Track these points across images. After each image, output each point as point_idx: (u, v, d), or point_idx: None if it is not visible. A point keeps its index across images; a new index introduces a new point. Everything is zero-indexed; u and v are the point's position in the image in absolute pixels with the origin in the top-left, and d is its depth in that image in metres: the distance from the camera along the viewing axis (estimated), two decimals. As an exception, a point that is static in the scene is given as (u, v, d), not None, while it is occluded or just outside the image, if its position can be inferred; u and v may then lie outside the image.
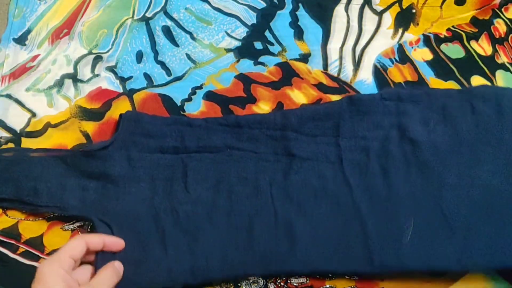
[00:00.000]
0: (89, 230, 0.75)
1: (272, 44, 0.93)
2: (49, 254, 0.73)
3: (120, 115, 0.82)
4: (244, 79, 0.89)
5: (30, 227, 0.75)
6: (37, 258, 0.73)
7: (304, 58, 0.92)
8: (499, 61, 0.92)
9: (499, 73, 0.91)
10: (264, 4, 0.97)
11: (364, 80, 0.90)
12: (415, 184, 0.77)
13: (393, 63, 0.91)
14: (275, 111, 0.85)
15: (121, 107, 0.85)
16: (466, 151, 0.79)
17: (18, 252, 0.73)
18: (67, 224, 0.75)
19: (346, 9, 0.97)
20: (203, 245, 0.72)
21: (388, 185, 0.77)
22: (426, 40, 0.94)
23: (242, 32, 0.94)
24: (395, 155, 0.79)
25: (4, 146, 0.81)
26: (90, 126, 0.83)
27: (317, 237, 0.73)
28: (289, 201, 0.76)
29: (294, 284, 0.73)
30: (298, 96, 0.87)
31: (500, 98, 0.82)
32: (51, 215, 0.76)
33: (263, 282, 0.73)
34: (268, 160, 0.80)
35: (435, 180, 0.77)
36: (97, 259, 0.68)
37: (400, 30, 0.95)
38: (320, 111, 0.82)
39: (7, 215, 0.76)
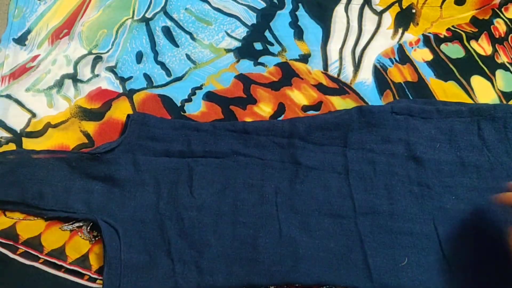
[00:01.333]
0: (88, 230, 0.75)
1: (272, 44, 0.93)
2: (48, 254, 0.73)
3: (128, 115, 0.82)
4: (244, 80, 0.89)
5: (28, 227, 0.75)
6: (36, 259, 0.73)
7: (304, 58, 0.92)
8: (499, 61, 0.92)
9: (499, 73, 0.91)
10: (264, 4, 0.97)
11: (364, 81, 0.90)
12: (416, 205, 0.77)
13: (393, 63, 0.91)
14: (283, 119, 0.85)
15: (121, 107, 0.85)
16: (469, 176, 0.79)
17: (18, 252, 0.73)
18: (66, 224, 0.75)
19: (346, 9, 0.97)
20: (208, 260, 0.72)
21: (389, 204, 0.77)
22: (426, 40, 0.94)
23: (242, 32, 0.94)
24: (399, 174, 0.79)
25: (4, 146, 0.81)
26: (90, 126, 0.83)
27: (320, 254, 0.73)
28: (293, 214, 0.76)
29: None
30: (298, 97, 0.87)
31: (508, 120, 0.82)
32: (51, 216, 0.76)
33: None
34: (274, 168, 0.80)
35: (435, 202, 0.77)
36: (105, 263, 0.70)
37: (400, 30, 0.95)
38: (329, 120, 0.81)
39: (5, 216, 0.75)
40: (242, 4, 0.97)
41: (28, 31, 0.92)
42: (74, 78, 0.88)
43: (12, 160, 0.76)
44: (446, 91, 0.89)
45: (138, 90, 0.87)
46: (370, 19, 0.96)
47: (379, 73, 0.90)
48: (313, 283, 0.71)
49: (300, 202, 0.77)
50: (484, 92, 0.89)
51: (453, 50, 0.93)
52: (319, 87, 0.89)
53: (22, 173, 0.75)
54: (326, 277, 0.71)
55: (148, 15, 0.95)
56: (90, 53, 0.90)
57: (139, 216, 0.75)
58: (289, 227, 0.74)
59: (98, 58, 0.89)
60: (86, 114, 0.84)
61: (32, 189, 0.74)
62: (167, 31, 0.93)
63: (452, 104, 0.85)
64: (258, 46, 0.93)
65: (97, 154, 0.77)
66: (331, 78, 0.90)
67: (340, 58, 0.92)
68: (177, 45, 0.92)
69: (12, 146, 0.81)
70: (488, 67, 0.92)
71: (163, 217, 0.75)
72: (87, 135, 0.82)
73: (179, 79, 0.89)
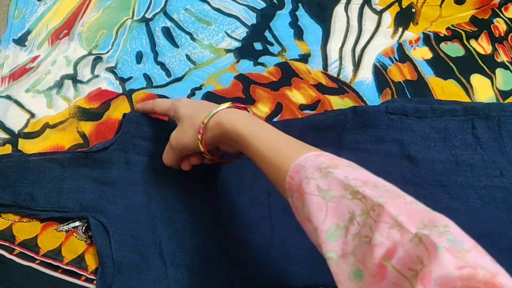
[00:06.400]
0: (83, 230, 0.75)
1: (272, 44, 0.93)
2: (44, 255, 0.73)
3: (124, 114, 0.82)
4: (244, 80, 0.89)
5: (24, 229, 0.75)
6: (33, 260, 0.73)
7: (304, 58, 0.92)
8: (499, 60, 0.92)
9: (499, 72, 0.91)
10: (263, 4, 0.97)
11: (364, 80, 0.89)
12: None
13: (393, 62, 0.91)
14: (278, 121, 0.84)
15: (120, 107, 0.85)
16: (463, 174, 0.79)
17: (15, 253, 0.73)
18: (62, 225, 0.75)
19: (346, 9, 0.97)
20: (200, 264, 0.72)
21: None
22: (426, 39, 0.94)
23: (242, 32, 0.94)
24: (393, 173, 0.79)
25: (1, 148, 0.81)
26: (87, 127, 0.83)
27: (312, 255, 0.72)
28: (286, 215, 0.75)
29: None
30: (297, 96, 0.87)
31: (502, 119, 0.82)
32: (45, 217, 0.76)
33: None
34: None
35: (429, 201, 0.76)
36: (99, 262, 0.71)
37: (400, 29, 0.95)
38: (324, 121, 0.81)
39: (1, 217, 0.75)
40: (242, 4, 0.97)
41: (28, 32, 0.92)
42: (74, 78, 0.88)
43: (4, 164, 0.77)
44: (444, 89, 0.88)
45: (138, 90, 0.87)
46: (370, 19, 0.96)
47: (379, 72, 0.90)
48: (304, 285, 0.71)
49: None
50: (483, 90, 0.89)
51: (453, 49, 0.93)
52: (319, 87, 0.88)
53: (13, 176, 0.76)
54: (317, 278, 0.71)
55: (148, 16, 0.95)
56: (90, 53, 0.90)
57: (130, 215, 0.75)
58: (282, 229, 0.74)
59: (98, 59, 0.89)
60: (84, 114, 0.84)
61: (23, 191, 0.75)
62: (167, 32, 0.93)
63: (447, 103, 0.85)
64: (258, 46, 0.93)
65: (90, 153, 0.77)
66: (330, 77, 0.90)
67: (340, 57, 0.92)
68: (177, 46, 0.92)
69: (8, 147, 0.81)
70: (487, 66, 0.91)
71: (155, 218, 0.75)
72: (83, 135, 0.82)
73: (179, 79, 0.89)
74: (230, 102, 0.67)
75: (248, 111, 0.70)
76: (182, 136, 0.69)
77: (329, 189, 0.51)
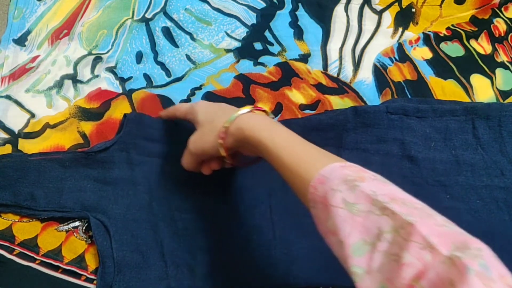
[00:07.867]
0: (84, 230, 0.75)
1: (272, 44, 0.93)
2: (44, 255, 0.73)
3: (125, 115, 0.82)
4: (244, 80, 0.89)
5: (24, 229, 0.75)
6: (33, 260, 0.73)
7: (304, 58, 0.92)
8: (499, 60, 0.92)
9: (499, 72, 0.91)
10: (264, 4, 0.97)
11: (364, 80, 0.89)
12: None
13: (392, 62, 0.91)
14: (278, 120, 0.84)
15: (120, 107, 0.85)
16: (463, 174, 0.79)
17: (15, 253, 0.73)
18: (62, 225, 0.75)
19: (346, 9, 0.97)
20: (201, 264, 0.72)
21: None
22: (426, 39, 0.94)
23: (242, 32, 0.94)
24: (394, 173, 0.79)
25: (1, 148, 0.80)
26: (88, 127, 0.83)
27: (313, 255, 0.72)
28: (287, 216, 0.76)
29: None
30: (297, 96, 0.87)
31: (503, 119, 0.82)
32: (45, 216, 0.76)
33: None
34: (267, 170, 0.79)
35: (429, 201, 0.76)
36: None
37: (400, 29, 0.95)
38: (324, 121, 0.81)
39: (1, 217, 0.75)
40: (242, 4, 0.97)
41: (28, 32, 0.92)
42: (74, 78, 0.87)
43: (4, 163, 0.76)
44: (444, 89, 0.89)
45: (138, 90, 0.87)
46: (370, 19, 0.96)
47: (379, 72, 0.90)
48: (305, 284, 0.71)
49: (293, 204, 0.76)
50: (483, 90, 0.89)
51: (453, 49, 0.93)
52: (319, 86, 0.88)
53: (14, 176, 0.75)
54: (319, 279, 0.71)
55: (148, 16, 0.95)
56: (90, 53, 0.90)
57: (132, 215, 0.74)
58: (283, 229, 0.74)
59: (98, 59, 0.89)
60: (85, 114, 0.84)
61: (24, 191, 0.75)
62: (167, 32, 0.93)
63: (447, 103, 0.85)
64: (258, 46, 0.93)
65: (91, 153, 0.77)
66: (330, 77, 0.90)
67: (340, 57, 0.92)
68: (177, 46, 0.92)
69: (8, 147, 0.81)
70: (487, 66, 0.91)
71: (156, 218, 0.75)
72: (83, 135, 0.82)
73: (179, 79, 0.89)
74: (251, 106, 0.67)
75: (268, 114, 0.70)
76: (201, 141, 0.69)
77: (356, 202, 0.51)
